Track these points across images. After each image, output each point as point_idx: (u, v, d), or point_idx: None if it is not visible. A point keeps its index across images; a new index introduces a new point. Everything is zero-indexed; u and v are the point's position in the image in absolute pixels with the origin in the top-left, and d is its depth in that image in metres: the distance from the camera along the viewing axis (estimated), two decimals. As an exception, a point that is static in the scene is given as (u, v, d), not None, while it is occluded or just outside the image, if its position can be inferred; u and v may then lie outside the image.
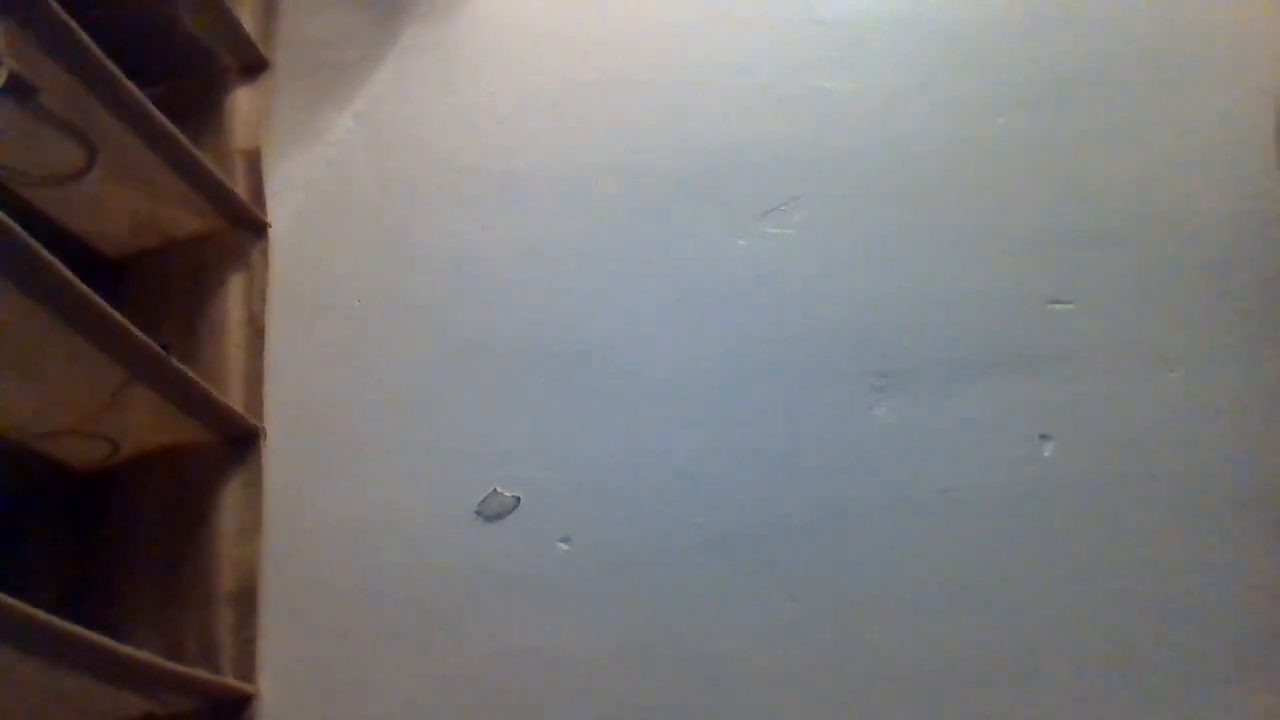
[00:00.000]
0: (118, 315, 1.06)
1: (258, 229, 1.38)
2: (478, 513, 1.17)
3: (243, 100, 1.45)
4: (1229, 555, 0.98)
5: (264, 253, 1.37)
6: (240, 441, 1.25)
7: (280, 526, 1.21)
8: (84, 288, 1.02)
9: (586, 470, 1.16)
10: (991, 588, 1.02)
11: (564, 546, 1.13)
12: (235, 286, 1.34)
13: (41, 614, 0.86)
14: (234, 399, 1.26)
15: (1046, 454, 1.06)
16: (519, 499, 1.17)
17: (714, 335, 1.20)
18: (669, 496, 1.13)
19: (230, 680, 1.11)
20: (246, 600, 1.16)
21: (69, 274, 1.00)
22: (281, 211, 1.40)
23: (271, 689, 1.13)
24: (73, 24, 1.08)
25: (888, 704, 0.99)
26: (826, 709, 1.00)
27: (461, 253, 1.33)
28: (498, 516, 1.16)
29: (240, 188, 1.38)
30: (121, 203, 1.27)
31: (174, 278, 1.35)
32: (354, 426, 1.25)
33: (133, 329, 1.08)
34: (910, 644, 1.01)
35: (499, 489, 1.17)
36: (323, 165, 1.43)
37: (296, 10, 1.55)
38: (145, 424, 1.18)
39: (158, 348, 1.11)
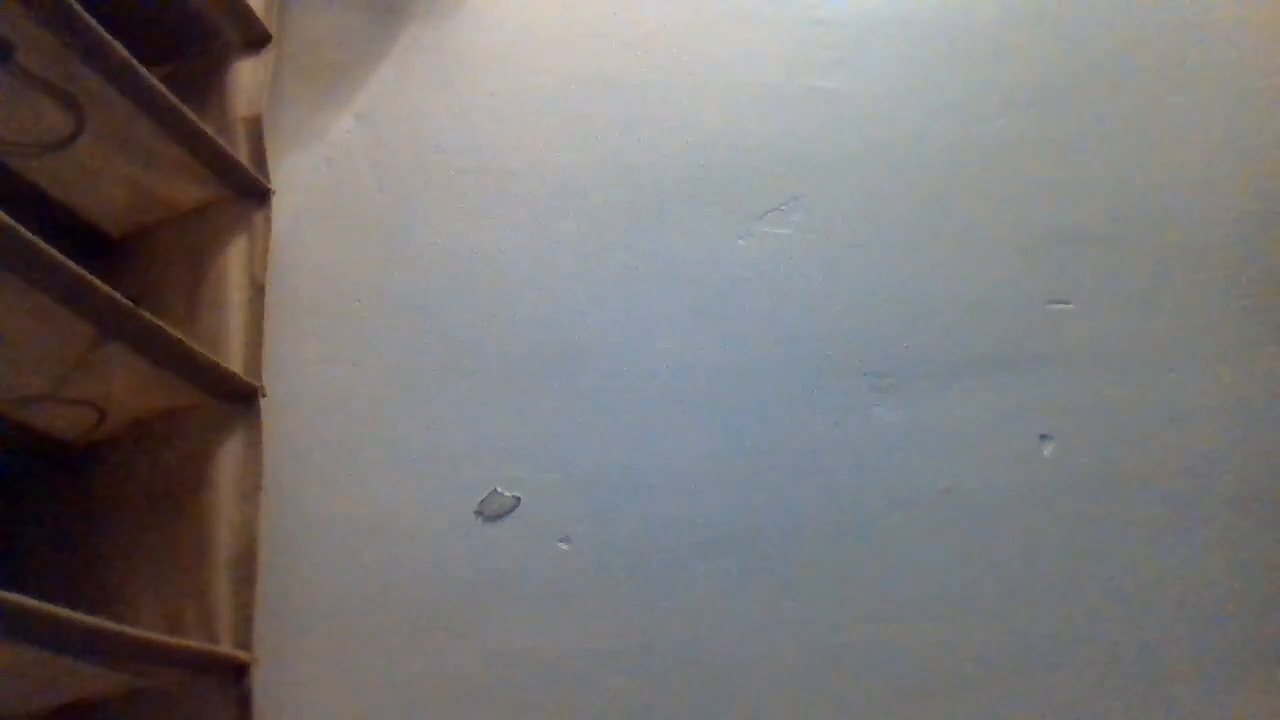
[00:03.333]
0: (78, 268, 0.99)
1: (260, 195, 1.34)
2: (478, 513, 1.17)
3: (244, 70, 1.42)
4: (1229, 555, 0.98)
5: (267, 218, 1.34)
6: (239, 401, 1.21)
7: (280, 527, 1.21)
8: (37, 240, 0.95)
9: (586, 470, 1.16)
10: (991, 588, 1.02)
11: (564, 546, 1.13)
12: (237, 250, 1.30)
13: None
14: (234, 360, 1.22)
15: (1046, 454, 1.06)
16: (519, 499, 1.17)
17: (714, 335, 1.20)
18: (669, 496, 1.13)
19: (225, 649, 1.07)
20: (246, 564, 1.12)
21: (19, 227, 0.93)
22: (281, 211, 1.40)
23: (267, 680, 1.13)
24: None
25: (887, 704, 0.99)
26: (826, 709, 1.00)
27: (461, 252, 1.33)
28: (498, 516, 1.16)
29: (242, 154, 1.34)
30: (117, 172, 1.22)
31: (176, 249, 1.31)
32: (354, 427, 1.25)
33: (97, 282, 1.01)
34: (910, 644, 1.01)
35: (499, 489, 1.17)
36: (323, 165, 1.43)
37: (297, 10, 1.55)
38: (129, 387, 1.13)
39: (126, 301, 1.05)
